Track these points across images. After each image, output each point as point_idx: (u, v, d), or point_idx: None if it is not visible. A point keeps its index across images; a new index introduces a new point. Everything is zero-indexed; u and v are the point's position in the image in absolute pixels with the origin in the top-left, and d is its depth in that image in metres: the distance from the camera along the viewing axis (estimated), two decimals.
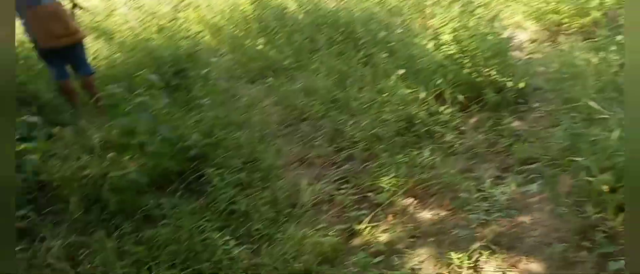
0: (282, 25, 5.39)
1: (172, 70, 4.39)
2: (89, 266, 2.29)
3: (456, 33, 3.60)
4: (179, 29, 5.84)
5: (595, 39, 4.06)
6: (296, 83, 4.31)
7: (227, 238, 2.37)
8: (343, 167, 3.19)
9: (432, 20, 4.45)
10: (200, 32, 5.69)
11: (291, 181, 3.03)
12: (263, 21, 5.58)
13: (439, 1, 4.94)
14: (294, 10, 5.51)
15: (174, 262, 2.30)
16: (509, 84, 3.47)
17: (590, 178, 2.41)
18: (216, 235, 2.37)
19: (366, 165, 3.14)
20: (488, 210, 2.58)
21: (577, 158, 2.57)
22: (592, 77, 3.24)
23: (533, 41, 4.61)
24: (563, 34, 4.55)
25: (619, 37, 3.66)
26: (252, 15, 5.80)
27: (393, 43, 4.17)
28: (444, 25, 3.72)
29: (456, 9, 4.07)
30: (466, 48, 3.62)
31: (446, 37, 3.63)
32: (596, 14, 4.42)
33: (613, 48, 3.59)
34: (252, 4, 5.92)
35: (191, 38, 5.47)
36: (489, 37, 3.66)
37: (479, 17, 3.90)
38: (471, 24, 3.76)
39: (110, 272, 2.24)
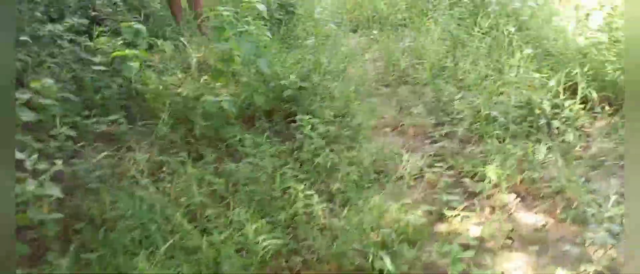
0: None
1: (278, 3, 4.22)
2: (169, 185, 2.26)
3: (611, 18, 3.03)
4: None
5: None
6: (403, 41, 3.96)
7: (309, 192, 2.20)
8: (439, 143, 2.88)
9: None
10: None
11: (380, 146, 2.79)
12: None
13: None
14: None
15: (251, 202, 2.19)
16: None
17: None
18: (297, 185, 2.22)
19: (467, 147, 2.81)
20: (608, 230, 2.18)
21: None
22: None
23: None
24: None
25: None
26: None
27: (525, 18, 3.64)
28: (596, 8, 3.14)
29: None
30: (617, 39, 3.05)
31: (596, 21, 3.08)
32: None
33: None
34: None
35: None
36: None
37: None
38: (631, 8, 3.15)
39: (188, 196, 2.19)
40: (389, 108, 3.27)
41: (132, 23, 3.23)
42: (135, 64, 2.97)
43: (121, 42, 3.29)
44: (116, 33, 3.52)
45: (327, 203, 2.27)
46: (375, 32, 4.27)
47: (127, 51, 2.97)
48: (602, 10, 3.22)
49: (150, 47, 3.53)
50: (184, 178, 2.28)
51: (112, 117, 2.72)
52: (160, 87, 3.02)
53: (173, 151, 2.53)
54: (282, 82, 3.01)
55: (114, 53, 2.98)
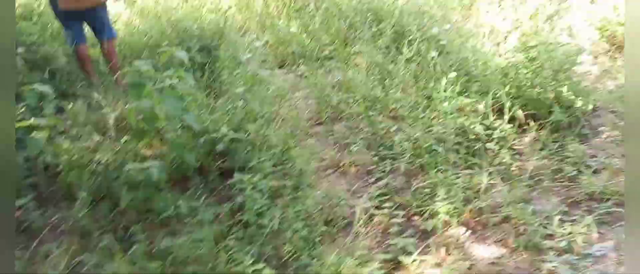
0: (317, 7, 4.96)
1: (198, 46, 4.00)
2: None
3: (525, 38, 3.18)
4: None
5: None
6: (332, 75, 3.91)
7: (258, 266, 2.01)
8: (384, 180, 2.83)
9: (493, 21, 4.02)
10: (229, 7, 5.26)
11: (325, 193, 2.67)
12: (297, 1, 5.14)
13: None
14: None
15: None
16: (579, 103, 3.06)
17: None
18: (244, 257, 2.03)
19: (412, 181, 2.77)
20: (558, 254, 2.22)
21: None
22: None
23: (595, 54, 4.16)
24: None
25: None
26: None
27: (445, 42, 3.74)
28: (511, 30, 3.29)
29: (523, 10, 3.65)
30: (533, 57, 3.20)
31: (512, 42, 3.22)
32: None
33: None
34: None
35: (219, 12, 5.06)
36: (560, 47, 3.24)
37: (548, 22, 3.49)
38: (540, 29, 3.35)
39: None
40: (327, 148, 3.18)
41: (35, 85, 2.88)
42: (42, 135, 2.63)
43: (23, 108, 2.92)
44: (17, 98, 3.12)
45: (278, 270, 2.09)
46: (302, 68, 4.19)
47: (32, 120, 2.63)
48: (516, 31, 3.38)
49: (60, 110, 3.17)
50: (110, 268, 1.99)
51: (18, 202, 2.35)
52: (75, 157, 2.69)
53: (96, 236, 2.22)
54: (213, 135, 2.81)
55: (17, 125, 2.62)
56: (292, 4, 5.16)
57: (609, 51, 4.18)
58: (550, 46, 3.28)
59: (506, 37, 3.37)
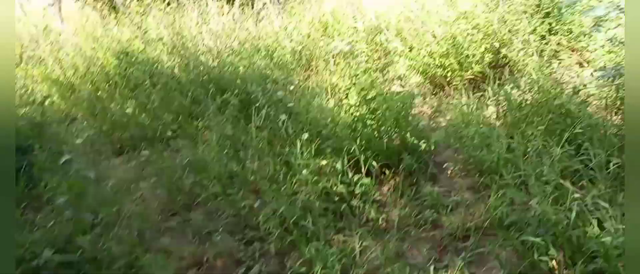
0: (154, 84, 4.59)
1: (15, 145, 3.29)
2: None
3: (364, 92, 3.30)
4: (17, 90, 4.66)
5: (483, 92, 4.13)
6: (181, 157, 3.56)
7: None
8: (255, 267, 2.56)
9: (331, 77, 4.14)
10: (47, 96, 4.58)
11: None
12: (131, 79, 4.71)
13: (332, 58, 4.70)
14: (170, 65, 4.76)
15: None
16: (423, 146, 3.23)
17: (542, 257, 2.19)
18: None
19: (285, 262, 2.56)
20: None
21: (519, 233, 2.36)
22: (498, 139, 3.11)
23: (423, 96, 4.57)
24: (450, 86, 4.60)
25: (507, 88, 3.71)
26: (116, 72, 4.89)
27: (292, 104, 3.71)
28: (350, 86, 3.39)
29: (354, 65, 3.82)
30: (375, 108, 3.33)
31: (352, 97, 3.31)
32: (477, 68, 4.57)
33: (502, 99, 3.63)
34: (115, 58, 5.01)
35: (36, 103, 4.34)
36: (395, 96, 3.43)
37: (376, 72, 3.70)
38: (372, 80, 3.52)
39: None
40: (185, 243, 2.80)
41: None
42: None
43: None
44: None
45: None
46: (145, 152, 3.76)
47: None
48: (354, 86, 3.50)
49: None
50: None
51: None
52: None
53: None
54: (33, 263, 2.24)
55: None
56: (124, 84, 4.71)
57: (433, 91, 4.64)
58: (387, 96, 3.45)
59: (347, 92, 3.47)
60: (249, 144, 3.52)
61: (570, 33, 4.49)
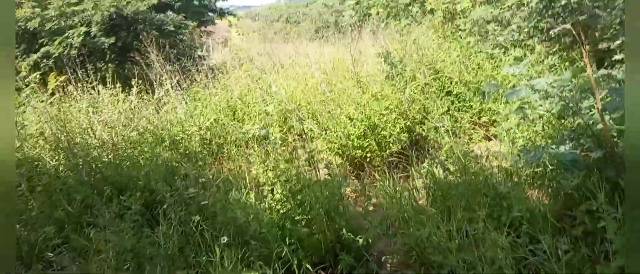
0: (33, 186, 3.80)
1: None
2: None
3: (288, 184, 2.98)
4: None
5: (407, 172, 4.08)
6: None
7: None
8: None
9: (249, 168, 3.78)
10: None
11: None
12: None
13: (244, 144, 4.38)
14: (53, 165, 4.03)
15: None
16: (360, 241, 2.95)
17: None
18: None
19: None
20: None
21: None
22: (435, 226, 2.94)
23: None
24: (371, 167, 4.50)
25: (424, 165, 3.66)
26: None
27: (206, 202, 3.25)
28: (274, 179, 3.06)
29: (273, 152, 3.52)
30: (303, 201, 3.02)
31: (277, 191, 2.98)
32: (394, 147, 4.55)
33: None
34: None
35: None
36: (322, 185, 3.17)
37: (298, 160, 3.43)
38: (296, 171, 3.23)
39: None
40: None
41: None
42: None
43: None
44: None
45: None
46: None
47: None
48: (276, 179, 3.18)
49: None
50: None
51: None
52: None
53: None
54: None
55: None
56: None
57: (353, 173, 4.50)
58: (314, 186, 3.18)
59: (272, 187, 3.13)
60: (155, 254, 2.94)
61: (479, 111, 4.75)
